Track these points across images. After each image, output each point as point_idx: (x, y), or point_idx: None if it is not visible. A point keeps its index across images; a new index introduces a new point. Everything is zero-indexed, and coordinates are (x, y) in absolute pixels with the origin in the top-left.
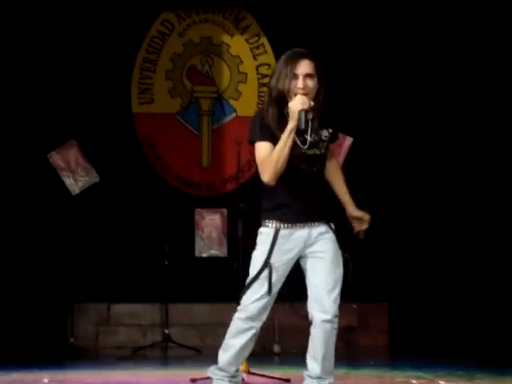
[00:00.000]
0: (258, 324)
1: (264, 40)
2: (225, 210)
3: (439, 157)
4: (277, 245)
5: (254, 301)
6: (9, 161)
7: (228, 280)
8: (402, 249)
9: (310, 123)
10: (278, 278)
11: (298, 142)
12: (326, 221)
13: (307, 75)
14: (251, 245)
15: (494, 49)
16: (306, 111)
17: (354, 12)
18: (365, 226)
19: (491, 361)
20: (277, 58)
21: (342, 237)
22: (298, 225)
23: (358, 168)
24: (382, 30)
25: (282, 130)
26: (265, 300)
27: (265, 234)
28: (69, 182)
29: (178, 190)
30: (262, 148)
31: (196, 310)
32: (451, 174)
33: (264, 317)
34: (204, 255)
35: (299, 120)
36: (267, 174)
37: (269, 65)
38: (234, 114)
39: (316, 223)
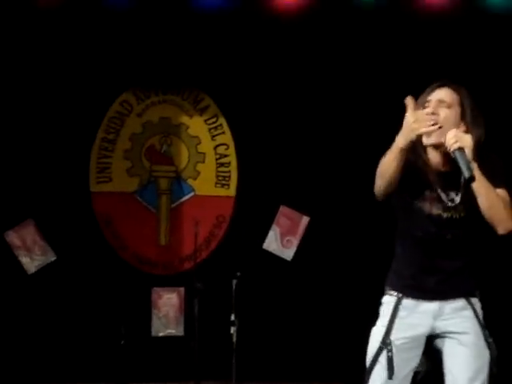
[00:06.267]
0: None
1: (222, 120)
2: (182, 289)
3: None
4: (398, 318)
5: None
6: None
7: (184, 359)
8: None
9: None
10: (402, 360)
11: (443, 197)
12: (464, 295)
13: (440, 102)
14: (208, 324)
15: None
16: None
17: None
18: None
19: None
20: (235, 137)
21: (482, 314)
22: (426, 298)
23: None
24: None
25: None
26: None
27: (385, 303)
28: (25, 260)
29: (135, 269)
30: None
31: None
32: None
33: None
34: (161, 334)
35: (459, 163)
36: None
37: (227, 145)
38: (192, 193)
39: (450, 299)
